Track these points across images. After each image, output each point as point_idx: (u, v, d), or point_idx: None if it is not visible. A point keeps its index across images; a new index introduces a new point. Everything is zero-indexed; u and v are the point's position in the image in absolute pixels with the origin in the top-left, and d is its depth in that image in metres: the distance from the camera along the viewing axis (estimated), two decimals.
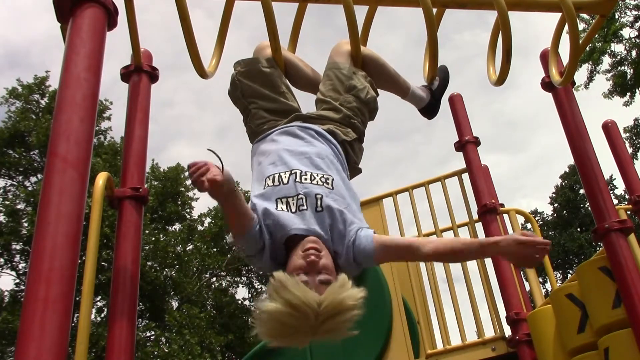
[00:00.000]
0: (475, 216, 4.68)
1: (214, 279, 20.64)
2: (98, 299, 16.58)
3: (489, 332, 4.43)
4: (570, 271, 22.07)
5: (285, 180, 2.20)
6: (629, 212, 4.96)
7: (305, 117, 2.51)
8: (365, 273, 4.62)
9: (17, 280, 16.88)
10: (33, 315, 1.56)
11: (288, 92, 2.65)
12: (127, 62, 2.90)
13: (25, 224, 16.41)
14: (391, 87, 2.79)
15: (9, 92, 17.61)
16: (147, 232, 16.83)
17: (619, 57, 15.53)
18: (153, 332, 16.84)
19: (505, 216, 4.93)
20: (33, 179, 17.54)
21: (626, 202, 6.67)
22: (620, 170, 4.81)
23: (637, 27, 15.49)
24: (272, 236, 2.12)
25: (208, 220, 20.96)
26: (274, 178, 2.22)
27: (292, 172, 2.21)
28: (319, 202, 2.14)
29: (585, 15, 11.64)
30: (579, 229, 23.59)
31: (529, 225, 16.87)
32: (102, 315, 16.61)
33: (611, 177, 21.47)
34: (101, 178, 2.45)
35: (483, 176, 4.77)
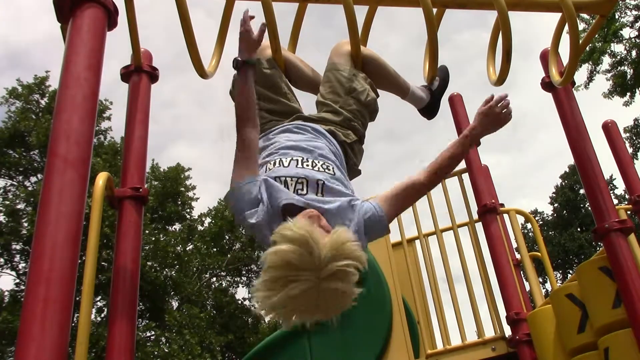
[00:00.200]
0: (475, 216, 4.68)
1: (214, 279, 20.65)
2: (98, 299, 16.58)
3: (489, 332, 4.44)
4: (570, 271, 22.07)
5: (286, 164, 2.19)
6: (629, 212, 4.96)
7: (306, 118, 2.52)
8: (366, 273, 4.62)
9: (17, 280, 16.88)
10: (33, 315, 1.56)
11: (290, 93, 2.65)
12: (127, 62, 2.90)
13: (25, 224, 16.41)
14: (391, 88, 2.79)
15: (9, 92, 17.61)
16: (147, 232, 16.83)
17: (619, 57, 15.53)
18: (153, 332, 16.84)
19: (505, 216, 4.94)
20: (33, 179, 17.55)
21: (626, 202, 6.68)
22: (620, 170, 4.81)
23: (637, 27, 15.50)
24: (270, 200, 2.05)
25: (208, 220, 20.99)
26: (274, 162, 2.21)
27: (293, 159, 2.21)
28: (320, 188, 2.12)
29: (585, 15, 11.64)
30: (579, 229, 23.60)
31: (529, 225, 16.89)
32: (102, 315, 16.62)
33: (611, 177, 21.47)
34: (101, 178, 2.45)
35: (483, 176, 4.77)
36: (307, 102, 2.74)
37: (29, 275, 1.63)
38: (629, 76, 15.55)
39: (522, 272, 5.24)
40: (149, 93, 2.88)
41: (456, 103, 4.92)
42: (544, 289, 18.82)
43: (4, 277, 17.29)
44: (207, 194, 39.56)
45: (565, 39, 3.06)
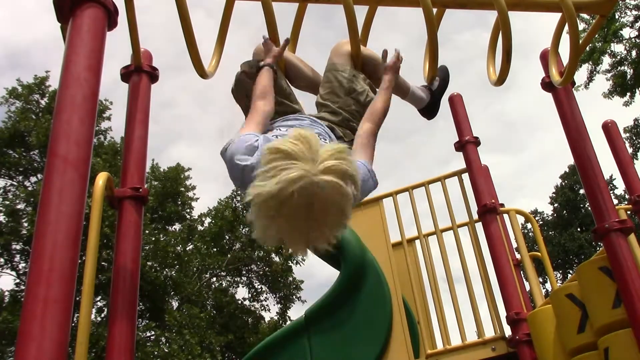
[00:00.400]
0: (475, 216, 4.68)
1: (214, 279, 20.64)
2: (98, 299, 16.58)
3: (489, 332, 4.44)
4: (570, 271, 22.07)
5: (285, 133, 2.20)
6: (629, 212, 4.96)
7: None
8: (366, 273, 4.62)
9: (17, 280, 16.88)
10: (33, 315, 1.56)
11: (292, 94, 2.67)
12: (127, 62, 2.90)
13: (25, 224, 16.41)
14: None
15: (9, 92, 17.61)
16: (147, 232, 16.83)
17: (619, 57, 15.54)
18: (153, 332, 16.84)
19: (505, 216, 4.94)
20: (33, 179, 17.55)
21: (626, 202, 6.68)
22: (620, 170, 4.81)
23: (637, 27, 15.50)
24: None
25: (208, 220, 20.99)
26: (275, 136, 2.22)
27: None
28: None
29: (585, 15, 11.64)
30: (579, 229, 23.60)
31: (529, 225, 16.88)
32: (102, 315, 16.62)
33: (611, 177, 21.48)
34: (101, 178, 2.45)
35: (483, 176, 4.77)
36: (307, 101, 2.75)
37: (29, 275, 1.63)
38: (629, 76, 15.56)
39: (522, 272, 5.24)
40: (149, 93, 2.88)
41: (456, 103, 4.92)
42: (544, 289, 18.83)
43: (4, 277, 17.31)
44: (207, 194, 39.60)
45: (565, 39, 3.06)
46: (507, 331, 4.25)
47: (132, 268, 2.45)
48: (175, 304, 18.62)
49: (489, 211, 4.47)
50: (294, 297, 20.81)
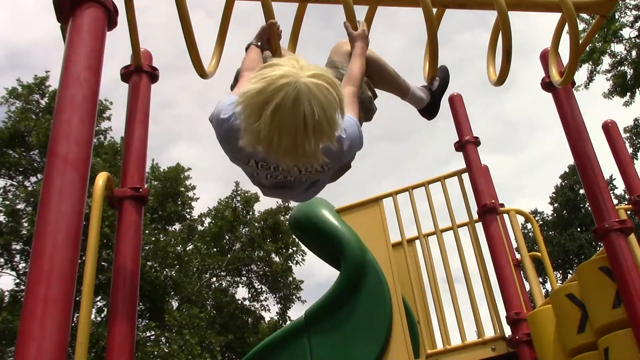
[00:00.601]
0: (475, 216, 4.68)
1: (214, 279, 20.65)
2: (98, 299, 16.59)
3: (489, 332, 4.44)
4: (570, 271, 22.08)
5: None
6: (629, 212, 4.96)
7: None
8: (366, 273, 4.62)
9: (17, 280, 16.88)
10: (33, 315, 1.56)
11: None
12: (127, 62, 2.91)
13: (25, 224, 16.42)
14: (391, 88, 2.78)
15: (9, 92, 17.62)
16: (147, 232, 16.83)
17: (619, 57, 15.54)
18: (153, 332, 16.84)
19: (505, 216, 4.94)
20: (33, 179, 17.55)
21: (626, 202, 6.68)
22: (620, 170, 4.81)
23: (637, 27, 15.50)
24: None
25: (208, 220, 20.99)
26: None
27: None
28: None
29: (585, 15, 11.64)
30: (579, 229, 23.60)
31: (529, 225, 16.88)
32: (102, 315, 16.62)
33: (611, 177, 21.49)
34: (101, 178, 2.45)
35: (483, 176, 4.77)
36: None
37: (29, 275, 1.63)
38: (629, 76, 15.56)
39: (522, 272, 5.24)
40: (149, 93, 2.88)
41: (456, 103, 4.92)
42: (544, 289, 18.82)
43: (4, 277, 17.32)
44: (207, 194, 39.60)
45: (565, 39, 3.06)
46: (507, 331, 4.25)
47: (132, 268, 2.44)
48: (175, 304, 18.62)
49: (489, 211, 4.47)
50: (294, 297, 20.83)
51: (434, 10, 2.66)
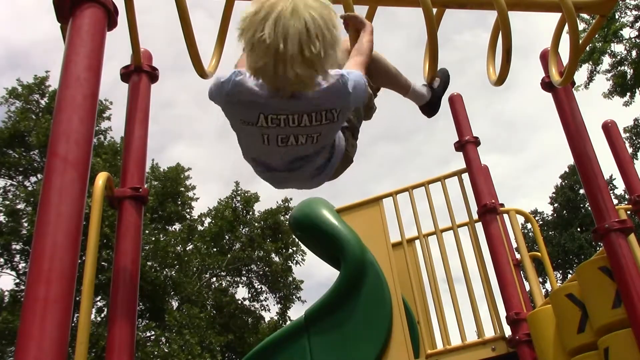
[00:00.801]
0: (475, 216, 4.68)
1: (214, 279, 20.65)
2: (98, 299, 16.59)
3: (489, 332, 4.44)
4: (570, 271, 22.08)
5: None
6: (629, 212, 4.95)
7: None
8: (366, 273, 4.62)
9: (17, 280, 16.89)
10: (33, 315, 1.56)
11: None
12: (127, 62, 2.91)
13: (25, 224, 16.42)
14: (392, 85, 2.78)
15: (9, 92, 17.63)
16: (147, 232, 16.84)
17: (619, 57, 15.55)
18: (153, 332, 16.85)
19: (505, 216, 4.94)
20: (33, 179, 17.56)
21: (626, 202, 6.68)
22: (620, 170, 4.81)
23: (637, 27, 15.50)
24: None
25: (208, 220, 21.00)
26: None
27: None
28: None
29: (585, 15, 11.64)
30: (579, 229, 23.60)
31: (529, 225, 16.88)
32: (102, 315, 16.62)
33: (611, 177, 21.49)
34: (101, 178, 2.45)
35: (483, 176, 4.77)
36: None
37: (29, 275, 1.63)
38: (629, 76, 15.56)
39: (522, 272, 5.24)
40: (148, 93, 2.88)
41: (456, 103, 4.92)
42: (544, 289, 18.82)
43: (4, 277, 17.34)
44: (207, 194, 39.59)
45: (565, 39, 3.06)
46: (507, 331, 4.25)
47: (132, 268, 2.45)
48: (175, 304, 18.63)
49: (489, 211, 4.47)
50: (294, 297, 20.84)
51: (434, 10, 2.66)
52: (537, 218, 24.40)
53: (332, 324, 4.55)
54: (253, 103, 1.89)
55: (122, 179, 2.66)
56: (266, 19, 1.76)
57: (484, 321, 4.44)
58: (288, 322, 18.23)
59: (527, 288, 5.80)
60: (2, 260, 17.01)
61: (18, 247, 16.90)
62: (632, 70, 15.46)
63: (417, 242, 4.97)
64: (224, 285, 20.67)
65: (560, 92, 3.24)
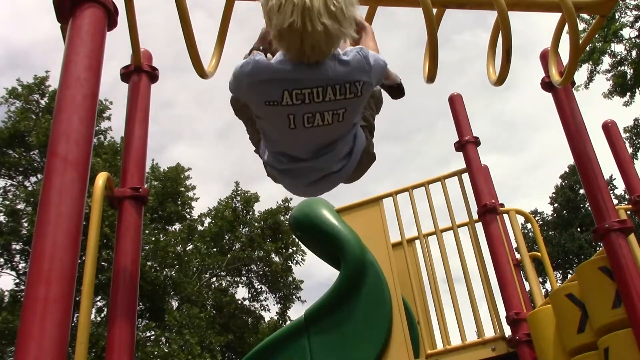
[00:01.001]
0: (475, 216, 4.68)
1: (214, 279, 20.65)
2: (98, 299, 16.59)
3: (489, 332, 4.44)
4: (570, 271, 22.08)
5: None
6: (629, 212, 4.96)
7: None
8: (366, 273, 4.62)
9: (17, 280, 16.89)
10: (33, 315, 1.56)
11: None
12: (127, 62, 2.91)
13: (25, 224, 16.43)
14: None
15: (9, 92, 17.63)
16: (147, 232, 16.84)
17: (619, 57, 15.55)
18: (153, 332, 16.85)
19: (505, 216, 4.94)
20: (33, 179, 17.57)
21: (626, 202, 6.68)
22: (620, 170, 4.81)
23: (637, 27, 15.50)
24: None
25: (208, 220, 21.00)
26: None
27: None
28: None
29: (585, 15, 11.64)
30: (579, 229, 23.60)
31: (529, 225, 16.88)
32: (102, 315, 16.62)
33: (611, 177, 21.49)
34: (101, 178, 2.45)
35: (483, 176, 4.77)
36: None
37: (29, 275, 1.63)
38: (629, 76, 15.57)
39: (522, 272, 5.24)
40: (148, 93, 2.88)
41: (456, 103, 4.92)
42: (544, 289, 18.82)
43: (4, 277, 17.34)
44: (207, 194, 39.59)
45: (565, 39, 3.06)
46: (507, 331, 4.25)
47: (132, 268, 2.45)
48: (175, 304, 18.63)
49: (489, 211, 4.47)
50: (294, 297, 20.84)
51: (434, 10, 2.66)
52: (537, 218, 24.40)
53: (332, 324, 4.55)
54: (276, 80, 1.94)
55: (122, 179, 2.66)
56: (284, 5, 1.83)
57: (484, 321, 4.45)
58: (288, 322, 18.24)
59: (527, 288, 5.80)
60: (2, 260, 17.02)
61: (18, 247, 16.91)
62: (632, 70, 15.46)
63: (417, 242, 4.97)
64: (223, 285, 20.68)
65: (560, 92, 3.24)
